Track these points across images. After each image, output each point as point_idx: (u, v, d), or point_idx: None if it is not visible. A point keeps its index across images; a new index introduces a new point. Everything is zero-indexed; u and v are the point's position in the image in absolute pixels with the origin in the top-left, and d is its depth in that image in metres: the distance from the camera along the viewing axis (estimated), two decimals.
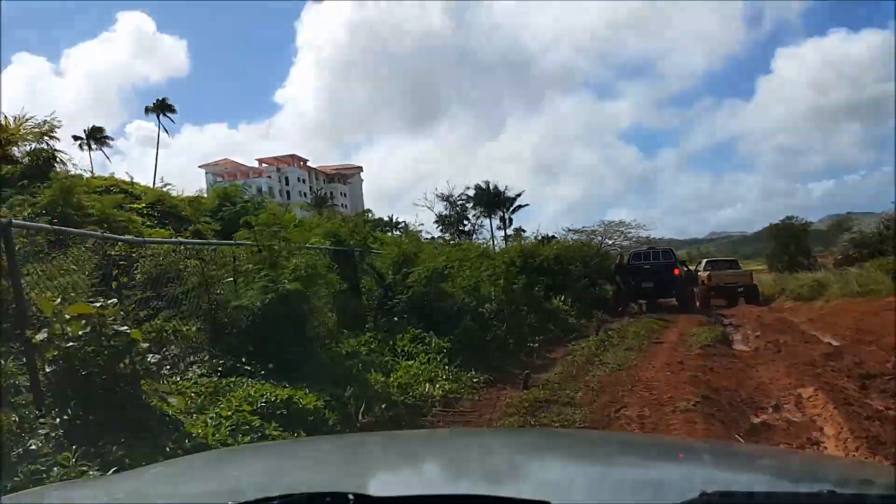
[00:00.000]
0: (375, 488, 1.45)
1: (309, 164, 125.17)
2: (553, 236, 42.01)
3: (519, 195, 57.47)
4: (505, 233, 57.54)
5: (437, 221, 61.41)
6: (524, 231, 52.02)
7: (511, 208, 57.08)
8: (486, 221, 59.21)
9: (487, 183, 56.06)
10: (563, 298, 15.15)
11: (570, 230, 51.66)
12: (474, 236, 59.73)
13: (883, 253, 26.67)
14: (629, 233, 49.55)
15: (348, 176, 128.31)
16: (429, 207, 56.49)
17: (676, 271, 19.54)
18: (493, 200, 56.04)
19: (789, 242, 68.79)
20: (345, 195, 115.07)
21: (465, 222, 58.80)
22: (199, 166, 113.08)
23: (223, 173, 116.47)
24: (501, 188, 57.79)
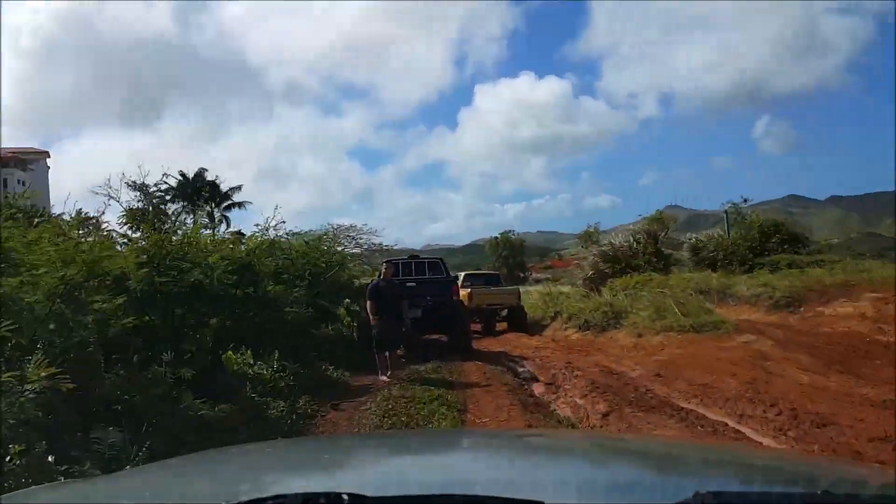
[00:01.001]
0: (370, 488, 1.24)
1: None
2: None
3: (235, 189, 47.39)
4: (214, 232, 47.26)
5: (125, 215, 48.31)
6: (243, 234, 42.69)
7: (225, 204, 46.70)
8: (193, 218, 47.95)
9: (197, 171, 45.08)
10: (249, 352, 7.67)
11: (293, 234, 44.22)
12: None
13: (635, 268, 24.86)
14: (360, 238, 43.76)
15: (29, 161, 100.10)
16: (112, 197, 43.97)
17: (456, 291, 13.00)
18: (200, 193, 45.08)
19: (509, 255, 71.42)
20: (24, 184, 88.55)
21: (164, 218, 46.91)
22: None
23: None
24: (212, 178, 47.09)
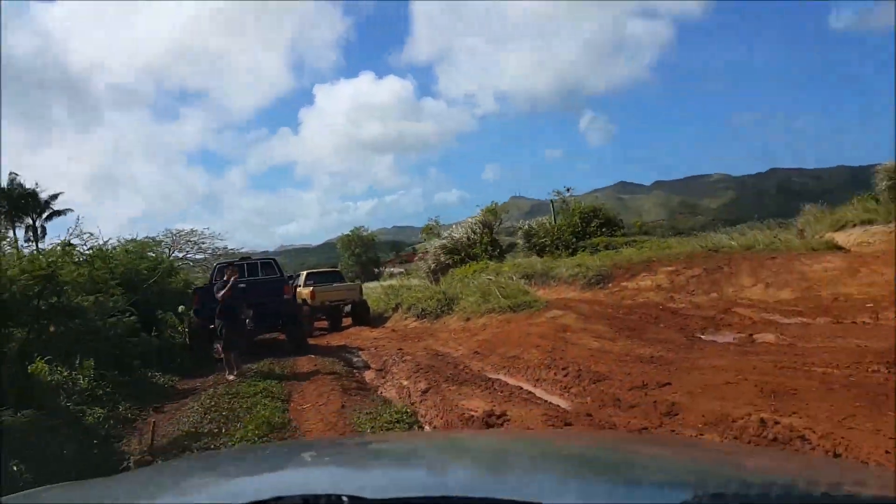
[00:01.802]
0: (369, 490, 1.27)
1: None
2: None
3: (54, 197, 43.01)
4: (37, 245, 42.71)
5: None
6: (73, 246, 39.05)
7: (45, 214, 42.36)
8: (13, 231, 42.71)
9: (10, 178, 40.31)
10: (60, 363, 7.36)
11: (127, 241, 41.17)
12: None
13: (474, 257, 26.24)
14: (203, 243, 41.81)
15: None
16: None
17: (287, 290, 13.09)
18: (17, 203, 40.53)
19: (361, 252, 71.58)
20: None
21: None
22: None
23: None
24: (31, 186, 42.30)
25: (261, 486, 1.51)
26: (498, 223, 27.54)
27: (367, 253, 69.54)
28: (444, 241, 26.79)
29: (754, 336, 9.42)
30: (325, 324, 18.85)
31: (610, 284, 16.61)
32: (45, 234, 42.18)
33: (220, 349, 10.56)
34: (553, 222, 27.55)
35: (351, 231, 70.78)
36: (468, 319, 13.04)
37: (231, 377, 9.64)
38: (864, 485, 1.48)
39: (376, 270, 71.29)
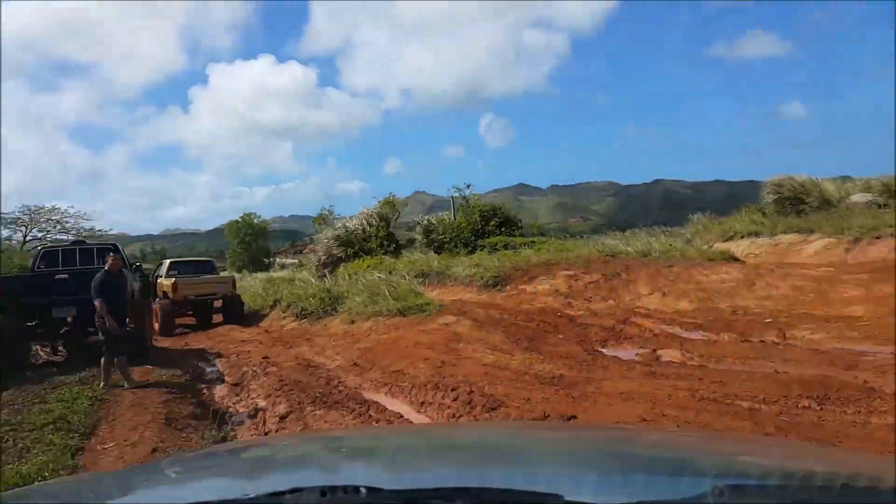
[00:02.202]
0: (387, 481, 1.33)
1: None
2: None
3: None
4: None
5: None
6: None
7: None
8: None
9: None
10: None
11: None
12: None
13: (368, 251, 24.72)
14: (67, 222, 37.22)
15: None
16: None
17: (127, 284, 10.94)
18: None
19: (252, 240, 67.73)
20: None
21: None
22: None
23: None
24: None
25: (278, 478, 1.49)
26: (396, 216, 26.20)
27: (257, 241, 65.80)
28: (337, 232, 25.08)
29: (658, 352, 8.69)
30: (192, 320, 16.70)
31: (508, 287, 15.73)
32: None
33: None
34: (453, 219, 26.57)
35: (240, 217, 66.75)
36: (353, 322, 11.62)
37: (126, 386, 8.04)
38: (882, 476, 1.44)
39: (267, 261, 67.64)
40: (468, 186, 27.38)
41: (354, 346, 9.99)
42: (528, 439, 2.10)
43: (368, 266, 22.02)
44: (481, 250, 23.09)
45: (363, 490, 1.09)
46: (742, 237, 20.32)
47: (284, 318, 14.61)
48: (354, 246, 24.36)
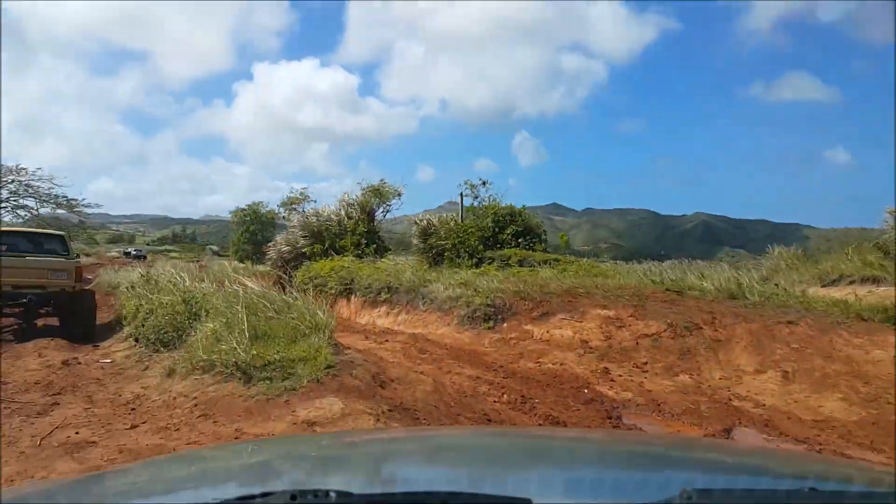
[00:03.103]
0: (357, 486, 1.30)
1: None
2: None
3: None
4: None
5: None
6: None
7: None
8: None
9: None
10: None
11: None
12: None
13: (340, 250, 19.00)
14: (34, 184, 32.12)
15: None
16: None
17: None
18: None
19: (257, 231, 62.58)
20: None
21: None
22: None
23: None
24: None
25: (249, 482, 1.47)
26: (385, 209, 20.39)
27: (263, 231, 60.52)
28: (309, 220, 19.38)
29: None
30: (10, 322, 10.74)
31: (506, 324, 9.81)
32: None
33: None
34: (460, 221, 20.71)
35: (247, 206, 61.63)
36: (169, 375, 5.84)
37: None
38: (852, 480, 1.47)
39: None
40: (484, 183, 21.46)
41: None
42: (499, 443, 2.09)
43: (331, 269, 16.34)
44: (489, 264, 17.22)
45: (333, 494, 1.04)
46: (851, 282, 14.07)
47: (125, 341, 8.84)
48: (324, 241, 18.64)
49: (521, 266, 17.07)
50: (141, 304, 9.43)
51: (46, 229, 14.14)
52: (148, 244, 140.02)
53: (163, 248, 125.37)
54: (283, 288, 14.58)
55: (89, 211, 35.80)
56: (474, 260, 18.85)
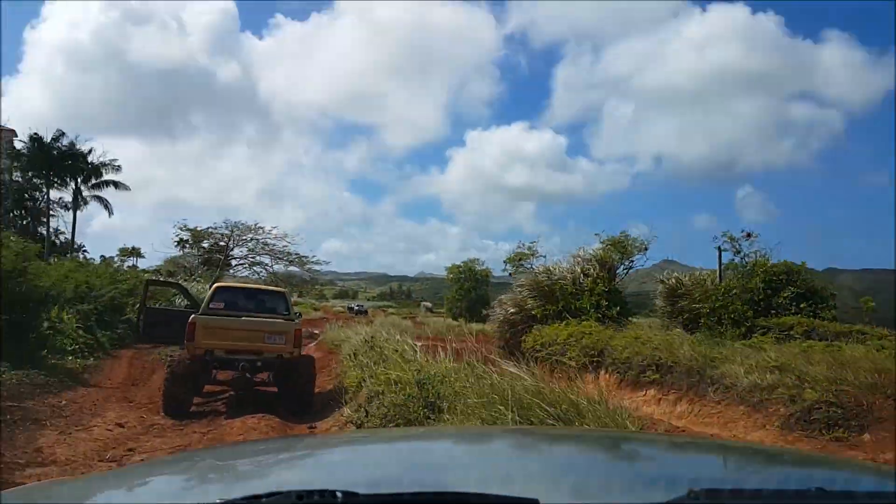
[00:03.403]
0: (363, 486, 1.23)
1: None
2: None
3: (108, 166, 37.51)
4: (74, 214, 37.76)
5: None
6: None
7: (91, 180, 37.18)
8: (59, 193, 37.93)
9: (55, 135, 35.50)
10: None
11: (184, 227, 35.31)
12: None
13: (577, 312, 16.67)
14: (270, 242, 34.74)
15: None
16: None
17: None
18: (57, 160, 35.39)
19: (471, 288, 62.67)
20: None
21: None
22: None
23: None
24: (80, 144, 36.86)
25: (256, 482, 1.47)
26: (626, 265, 17.66)
27: (476, 289, 60.33)
28: (539, 278, 17.36)
29: None
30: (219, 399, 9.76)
31: (868, 436, 6.52)
32: (87, 203, 37.36)
33: None
34: (718, 281, 17.18)
35: (463, 263, 62.02)
36: None
37: None
38: (860, 480, 1.45)
39: (484, 311, 61.98)
40: (749, 235, 17.69)
41: None
42: (507, 444, 2.07)
43: (569, 335, 13.97)
44: (764, 334, 13.60)
45: (339, 494, 1.07)
46: None
47: (346, 425, 7.20)
48: (558, 302, 16.40)
49: (808, 338, 13.20)
50: (364, 378, 7.89)
51: (268, 286, 13.40)
52: (369, 299, 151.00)
53: (382, 303, 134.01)
54: (511, 353, 12.49)
55: (318, 268, 37.80)
56: (742, 329, 15.22)
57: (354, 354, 9.57)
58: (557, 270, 17.18)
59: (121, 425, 7.31)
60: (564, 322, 15.87)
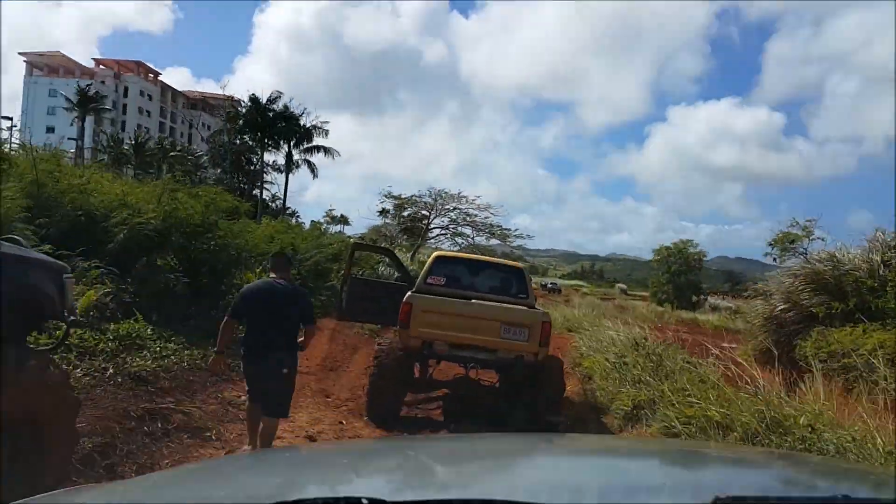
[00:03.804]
0: (387, 492, 1.30)
1: (162, 77, 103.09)
2: None
3: (320, 129, 38.37)
4: (287, 177, 39.32)
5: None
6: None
7: (305, 144, 38.27)
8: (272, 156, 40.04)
9: (272, 96, 36.94)
10: None
11: (388, 195, 35.26)
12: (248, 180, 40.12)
13: (876, 314, 12.67)
14: (472, 213, 33.38)
15: (217, 107, 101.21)
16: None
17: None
18: (272, 122, 36.87)
19: (680, 272, 56.77)
20: (208, 127, 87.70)
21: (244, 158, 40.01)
22: (20, 52, 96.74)
23: (44, 65, 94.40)
24: (295, 108, 37.92)
25: (280, 489, 1.43)
26: None
27: (687, 274, 54.34)
28: (816, 266, 13.56)
29: None
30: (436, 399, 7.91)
31: None
32: (298, 167, 38.55)
33: None
34: None
35: (673, 243, 56.18)
36: None
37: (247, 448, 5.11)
38: (885, 487, 1.42)
39: (695, 298, 55.56)
40: None
41: None
42: (530, 451, 2.04)
43: (879, 345, 10.26)
44: None
45: (365, 501, 1.07)
46: None
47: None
48: (847, 298, 12.50)
49: None
50: (639, 395, 5.46)
51: (498, 259, 10.28)
52: (560, 277, 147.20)
53: (573, 282, 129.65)
54: (776, 360, 9.70)
55: (520, 242, 35.92)
56: None
57: (622, 362, 7.05)
58: (847, 258, 13.18)
59: (311, 438, 5.64)
60: (857, 326, 12.04)
